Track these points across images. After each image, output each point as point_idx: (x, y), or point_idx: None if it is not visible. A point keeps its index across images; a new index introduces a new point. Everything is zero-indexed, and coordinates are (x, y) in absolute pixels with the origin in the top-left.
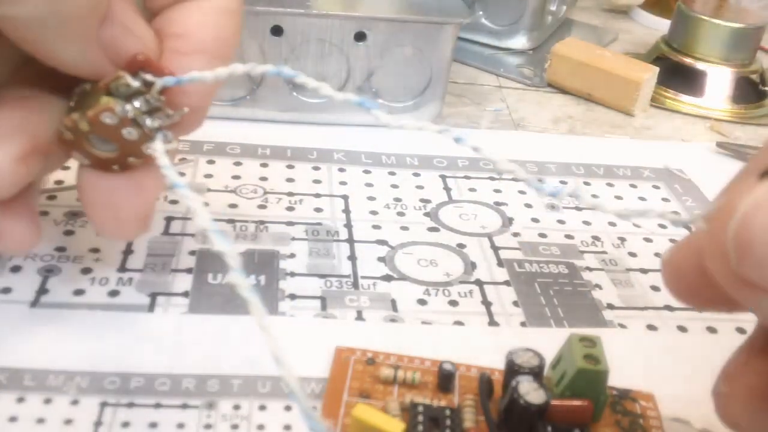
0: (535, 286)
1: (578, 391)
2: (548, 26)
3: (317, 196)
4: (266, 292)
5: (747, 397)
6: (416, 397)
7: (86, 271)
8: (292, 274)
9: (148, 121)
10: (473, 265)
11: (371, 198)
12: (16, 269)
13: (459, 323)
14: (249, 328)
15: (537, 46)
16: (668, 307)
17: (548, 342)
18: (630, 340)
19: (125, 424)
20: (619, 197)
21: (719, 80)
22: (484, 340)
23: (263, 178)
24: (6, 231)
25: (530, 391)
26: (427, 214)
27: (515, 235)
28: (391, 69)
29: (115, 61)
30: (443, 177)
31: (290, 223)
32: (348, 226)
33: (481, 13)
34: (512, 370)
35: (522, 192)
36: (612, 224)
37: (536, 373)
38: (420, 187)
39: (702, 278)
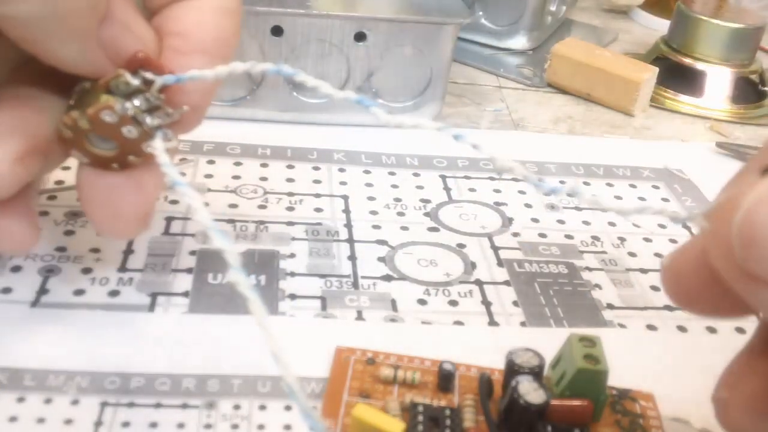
0: (534, 286)
1: (578, 391)
2: (548, 26)
3: (317, 196)
4: (266, 292)
5: (747, 402)
6: (416, 397)
7: (86, 271)
8: (292, 274)
9: (148, 120)
10: (473, 265)
11: (371, 198)
12: (16, 269)
13: (459, 323)
14: (249, 328)
15: (537, 46)
16: (668, 307)
17: (548, 342)
18: (630, 340)
19: (125, 424)
20: (618, 197)
21: (719, 80)
22: (484, 340)
23: (263, 178)
24: (5, 231)
25: (530, 391)
26: (427, 214)
27: (515, 235)
28: (391, 69)
29: (115, 59)
30: (443, 177)
31: (290, 223)
32: (348, 226)
33: (480, 13)
34: (512, 370)
35: (522, 192)
36: (612, 224)
37: (536, 373)
38: (420, 187)
39: (702, 283)
